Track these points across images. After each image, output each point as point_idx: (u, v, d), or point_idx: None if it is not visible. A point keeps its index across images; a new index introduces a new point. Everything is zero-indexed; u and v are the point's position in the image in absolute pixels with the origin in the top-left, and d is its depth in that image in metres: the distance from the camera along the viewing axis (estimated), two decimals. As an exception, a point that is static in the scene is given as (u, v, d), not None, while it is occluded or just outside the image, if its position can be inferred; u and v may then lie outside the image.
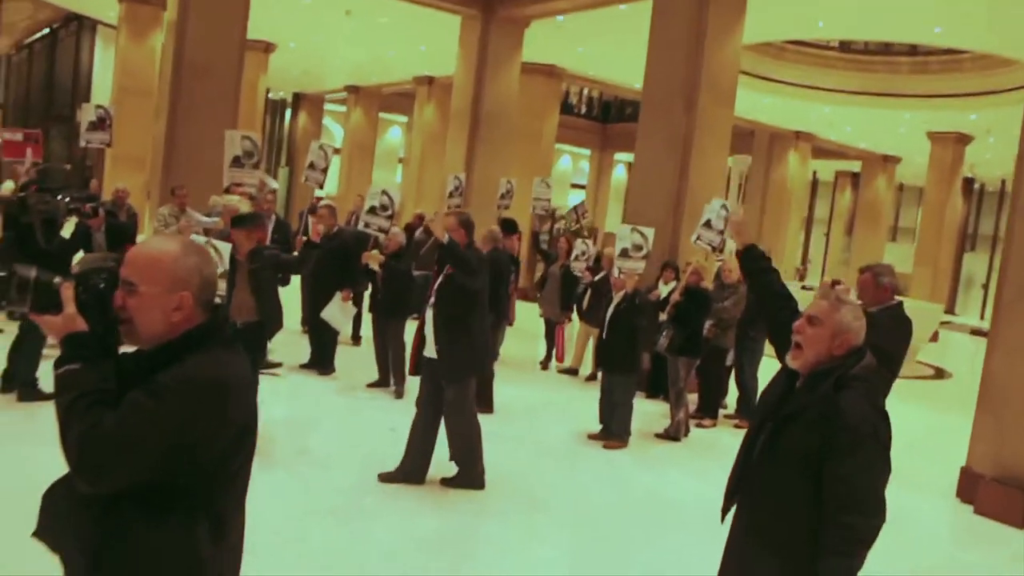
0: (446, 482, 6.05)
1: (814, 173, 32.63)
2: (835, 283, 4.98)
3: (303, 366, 9.25)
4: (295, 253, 7.71)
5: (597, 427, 7.84)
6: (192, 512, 1.96)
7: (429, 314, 5.96)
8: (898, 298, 5.18)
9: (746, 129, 25.04)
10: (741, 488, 2.99)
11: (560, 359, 10.46)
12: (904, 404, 10.98)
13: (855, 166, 30.27)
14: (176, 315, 1.99)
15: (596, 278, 10.08)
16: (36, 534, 2.01)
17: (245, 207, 8.29)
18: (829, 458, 2.70)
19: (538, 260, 12.62)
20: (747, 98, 19.34)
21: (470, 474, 6.09)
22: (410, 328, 7.50)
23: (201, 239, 6.67)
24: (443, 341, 5.89)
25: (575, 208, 12.36)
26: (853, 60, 19.93)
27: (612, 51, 16.72)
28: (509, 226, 10.20)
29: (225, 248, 6.47)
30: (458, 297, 5.90)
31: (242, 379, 2.06)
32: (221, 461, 1.99)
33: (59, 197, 7.19)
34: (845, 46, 19.83)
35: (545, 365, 10.97)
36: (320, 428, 7.34)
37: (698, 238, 8.24)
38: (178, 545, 1.94)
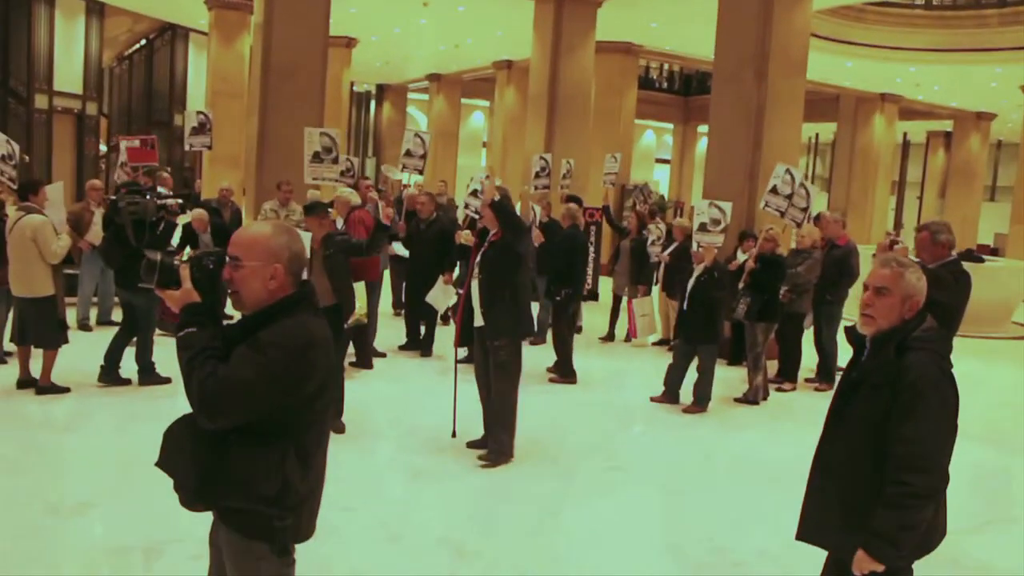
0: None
1: (904, 135, 31.77)
2: (893, 243, 5.13)
3: (401, 348, 9.69)
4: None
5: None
6: (283, 444, 2.42)
7: (474, 286, 6.06)
8: (991, 259, 5.26)
9: (830, 95, 24.64)
10: (817, 451, 3.12)
11: (634, 334, 10.64)
12: (1000, 364, 10.61)
13: (947, 125, 29.41)
14: (272, 284, 2.45)
15: (667, 251, 10.26)
16: (158, 463, 2.48)
17: (355, 199, 8.68)
18: (892, 418, 2.81)
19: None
20: (829, 63, 19.11)
21: (501, 441, 6.13)
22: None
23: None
24: (487, 303, 5.97)
25: (640, 189, 12.59)
26: (938, 17, 19.42)
27: (684, 25, 16.74)
28: (574, 203, 10.52)
29: (307, 237, 6.88)
30: (505, 260, 5.97)
31: (325, 339, 2.51)
32: (307, 403, 2.45)
33: (147, 197, 7.67)
34: (928, 3, 19.36)
35: (627, 338, 11.20)
36: (415, 402, 7.80)
37: (766, 204, 8.39)
38: (270, 469, 2.40)
